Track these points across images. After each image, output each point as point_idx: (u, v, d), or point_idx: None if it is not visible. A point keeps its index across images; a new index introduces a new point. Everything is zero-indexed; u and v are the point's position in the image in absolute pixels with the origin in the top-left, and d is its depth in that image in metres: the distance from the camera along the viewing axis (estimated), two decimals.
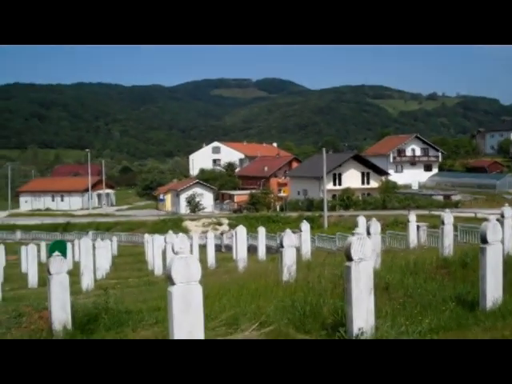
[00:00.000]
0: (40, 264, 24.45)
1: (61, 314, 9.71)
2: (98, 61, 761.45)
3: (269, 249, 26.09)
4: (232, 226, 57.84)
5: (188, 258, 5.79)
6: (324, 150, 66.17)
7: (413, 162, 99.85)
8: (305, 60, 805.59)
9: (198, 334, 5.79)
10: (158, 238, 24.49)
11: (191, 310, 5.76)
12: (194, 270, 5.80)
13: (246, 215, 71.09)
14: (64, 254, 13.40)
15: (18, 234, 69.57)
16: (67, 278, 10.01)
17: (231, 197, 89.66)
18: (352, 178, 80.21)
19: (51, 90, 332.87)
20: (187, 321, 5.72)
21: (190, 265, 5.77)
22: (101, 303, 10.32)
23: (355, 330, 7.58)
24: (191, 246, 25.83)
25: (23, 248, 31.48)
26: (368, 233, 14.60)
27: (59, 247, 21.57)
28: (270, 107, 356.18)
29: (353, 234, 7.99)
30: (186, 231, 50.29)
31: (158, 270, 22.29)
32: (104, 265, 23.57)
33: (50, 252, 16.93)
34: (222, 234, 45.97)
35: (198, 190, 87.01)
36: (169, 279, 5.80)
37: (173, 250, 11.65)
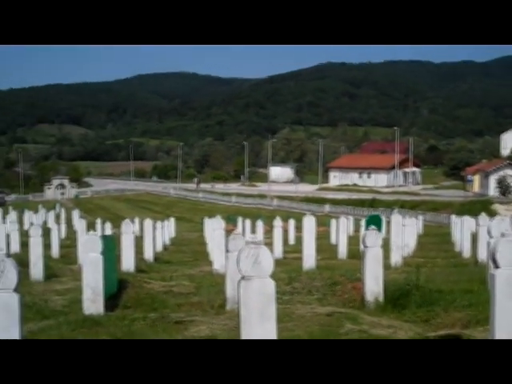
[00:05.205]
0: (348, 237, 25.45)
1: (373, 286, 10.02)
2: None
3: None
4: None
5: None
6: None
7: None
8: None
9: None
10: (468, 220, 23.64)
11: None
12: None
13: None
14: (379, 228, 13.81)
15: (327, 207, 73.11)
16: (381, 252, 10.26)
17: None
18: None
19: (361, 68, 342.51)
20: (510, 307, 5.49)
21: None
22: (412, 280, 10.39)
23: None
24: None
25: (333, 221, 33.02)
26: None
27: (375, 221, 22.15)
28: None
29: None
30: (494, 214, 47.82)
31: (467, 253, 21.58)
32: (410, 243, 23.59)
33: (366, 225, 17.53)
34: None
35: (509, 171, 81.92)
36: (493, 262, 5.62)
37: (488, 234, 11.20)
